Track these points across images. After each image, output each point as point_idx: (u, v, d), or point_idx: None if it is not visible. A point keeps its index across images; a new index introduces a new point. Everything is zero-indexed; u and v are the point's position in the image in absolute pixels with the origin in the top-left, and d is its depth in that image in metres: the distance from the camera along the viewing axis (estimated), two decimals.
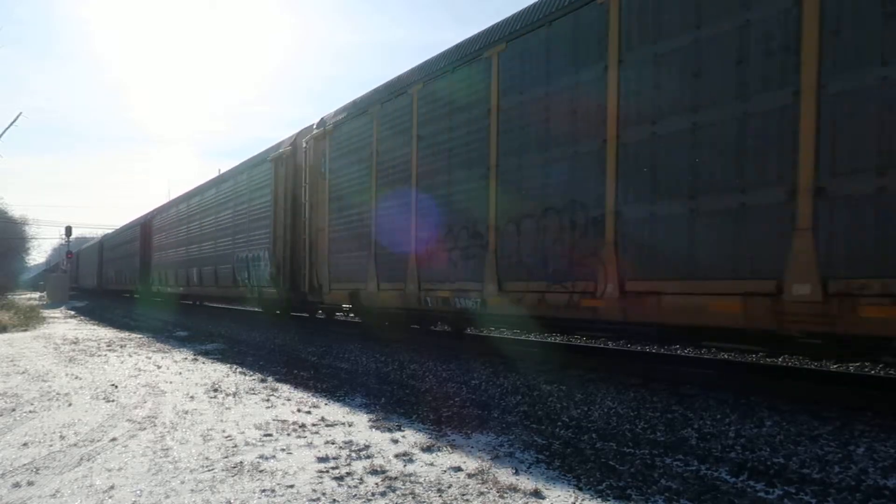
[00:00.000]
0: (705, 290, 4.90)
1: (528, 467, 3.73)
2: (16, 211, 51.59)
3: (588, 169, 5.91)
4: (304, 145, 11.36)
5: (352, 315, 11.32)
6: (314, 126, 11.12)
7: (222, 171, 16.14)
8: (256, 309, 15.03)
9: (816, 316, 4.26)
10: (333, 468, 3.64)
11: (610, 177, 5.68)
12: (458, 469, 3.66)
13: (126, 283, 27.24)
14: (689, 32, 5.10)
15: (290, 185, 11.81)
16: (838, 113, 4.18)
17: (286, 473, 3.54)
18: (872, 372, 6.61)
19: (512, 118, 6.83)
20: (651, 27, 5.38)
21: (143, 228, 24.59)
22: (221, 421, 4.84)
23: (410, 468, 3.67)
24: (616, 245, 5.60)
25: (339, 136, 10.14)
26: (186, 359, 8.69)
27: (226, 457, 3.86)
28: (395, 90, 8.81)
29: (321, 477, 3.49)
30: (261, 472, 3.57)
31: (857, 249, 4.09)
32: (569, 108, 6.16)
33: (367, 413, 5.17)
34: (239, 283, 13.97)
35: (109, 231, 38.62)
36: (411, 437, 4.38)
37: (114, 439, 4.27)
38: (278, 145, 12.59)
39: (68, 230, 35.49)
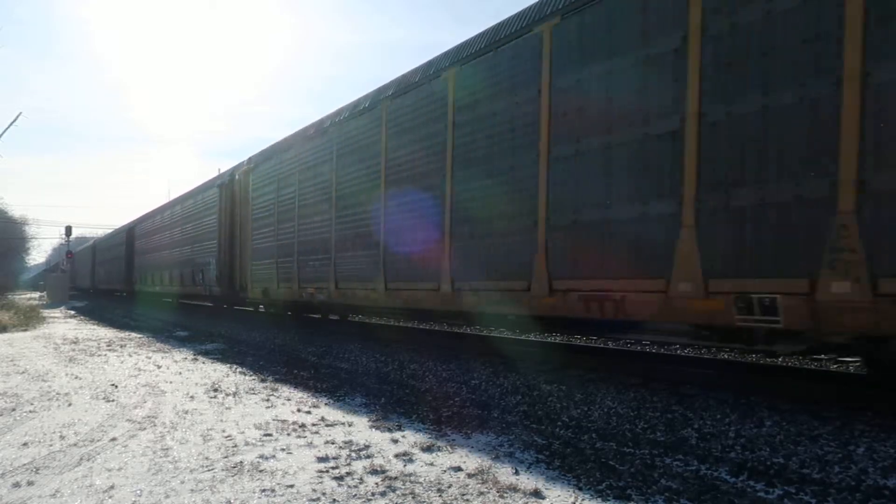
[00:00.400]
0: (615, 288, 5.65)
1: (528, 467, 3.73)
2: (16, 211, 51.64)
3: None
4: (237, 177, 14.63)
5: (262, 307, 14.96)
6: (244, 162, 14.38)
7: (221, 171, 16.81)
8: (208, 304, 18.74)
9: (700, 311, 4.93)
10: (333, 468, 3.64)
11: None
12: (458, 469, 3.66)
13: (115, 283, 30.46)
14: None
15: (229, 206, 15.08)
16: (716, 139, 4.87)
17: (286, 473, 3.54)
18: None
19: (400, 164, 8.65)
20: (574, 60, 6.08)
21: (129, 234, 27.50)
22: (221, 421, 4.84)
23: (410, 468, 3.67)
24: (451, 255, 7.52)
25: (258, 173, 13.57)
26: (186, 359, 8.69)
27: (226, 457, 3.86)
28: (284, 147, 12.31)
29: (321, 477, 3.49)
30: (261, 471, 3.57)
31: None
32: (508, 127, 6.85)
33: (367, 413, 5.17)
34: (197, 283, 17.28)
35: (109, 231, 38.68)
36: (411, 437, 4.38)
37: (114, 439, 4.28)
38: (223, 175, 15.89)
39: (68, 230, 35.50)
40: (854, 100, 4.12)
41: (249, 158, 14.12)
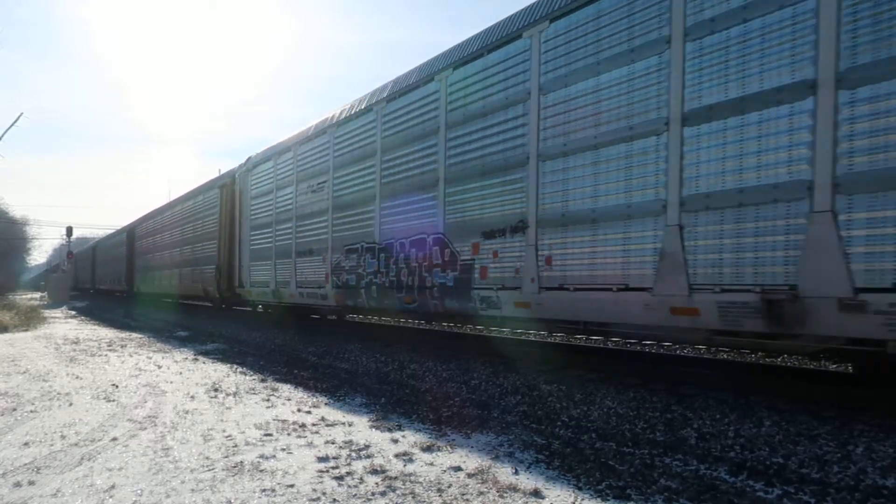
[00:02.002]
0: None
1: (528, 467, 3.73)
2: (16, 211, 51.58)
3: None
4: (237, 177, 14.60)
5: (260, 307, 15.15)
6: (245, 162, 14.44)
7: (222, 171, 16.82)
8: (208, 304, 18.63)
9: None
10: (333, 468, 3.65)
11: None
12: (458, 469, 3.67)
13: (115, 284, 30.63)
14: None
15: (230, 207, 14.97)
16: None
17: (286, 473, 3.55)
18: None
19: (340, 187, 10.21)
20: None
21: (129, 235, 27.79)
22: (222, 421, 4.85)
23: (410, 468, 3.68)
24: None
25: (257, 173, 13.46)
26: (187, 359, 8.70)
27: (226, 456, 3.87)
28: (280, 150, 12.47)
29: (321, 476, 3.49)
30: (261, 471, 3.58)
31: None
32: (478, 150, 7.23)
33: (367, 413, 5.18)
34: (197, 283, 17.43)
35: (110, 230, 38.72)
36: (411, 437, 4.39)
37: (114, 439, 4.29)
38: (223, 175, 15.96)
39: (69, 230, 35.53)
40: None
41: (249, 158, 14.20)
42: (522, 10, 6.92)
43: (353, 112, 9.97)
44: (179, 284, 18.98)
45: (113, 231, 36.12)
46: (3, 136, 22.89)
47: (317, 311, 12.61)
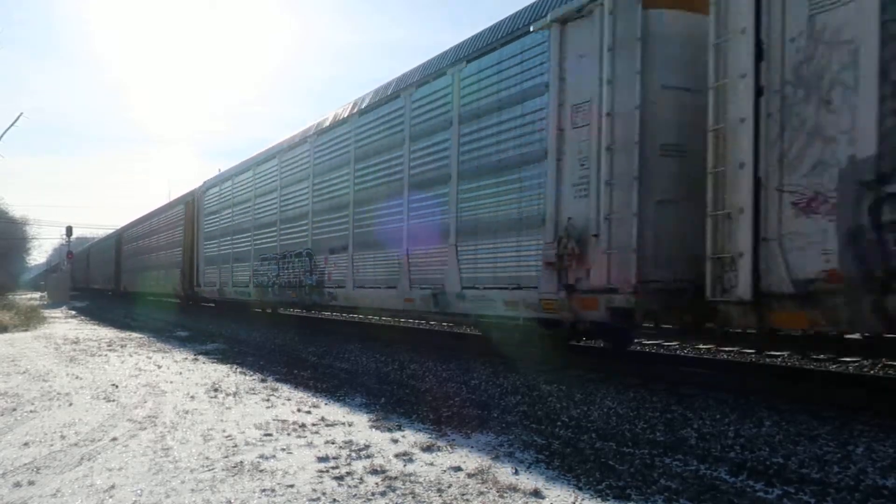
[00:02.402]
0: None
1: (528, 467, 3.73)
2: (16, 211, 51.50)
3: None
4: (196, 196, 18.15)
5: (212, 304, 18.84)
6: (204, 182, 17.91)
7: (221, 170, 17.36)
8: (175, 300, 21.91)
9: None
10: (333, 468, 3.64)
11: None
12: (458, 469, 3.67)
13: (105, 284, 34.16)
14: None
15: (191, 221, 18.37)
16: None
17: (286, 473, 3.55)
18: (871, 372, 6.62)
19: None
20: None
21: (117, 240, 31.27)
22: (222, 421, 4.85)
23: (410, 468, 3.68)
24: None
25: (209, 195, 17.03)
26: (187, 359, 8.70)
27: (226, 456, 3.87)
28: (225, 177, 15.94)
29: (321, 476, 3.49)
30: (261, 471, 3.58)
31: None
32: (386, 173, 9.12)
33: (367, 413, 5.18)
34: (166, 284, 20.85)
35: (110, 231, 38.81)
36: (411, 437, 4.39)
37: (114, 439, 4.28)
38: (187, 194, 19.61)
39: (69, 230, 35.52)
40: None
41: (205, 181, 17.80)
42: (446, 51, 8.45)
43: (260, 158, 13.86)
44: (156, 284, 22.39)
45: (105, 235, 39.73)
46: (2, 135, 22.80)
47: (246, 305, 16.16)
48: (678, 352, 8.23)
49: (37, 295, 39.22)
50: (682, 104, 5.54)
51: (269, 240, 12.90)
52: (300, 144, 11.73)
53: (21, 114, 26.43)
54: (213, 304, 18.82)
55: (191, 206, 18.39)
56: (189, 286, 18.22)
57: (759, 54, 4.62)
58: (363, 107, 9.68)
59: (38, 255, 71.80)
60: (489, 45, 7.15)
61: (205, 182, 17.67)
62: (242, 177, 14.63)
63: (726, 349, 7.94)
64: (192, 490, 3.26)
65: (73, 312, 23.02)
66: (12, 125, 24.17)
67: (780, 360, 7.36)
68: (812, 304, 4.31)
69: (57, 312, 22.51)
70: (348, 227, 9.82)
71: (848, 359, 6.93)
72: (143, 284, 24.15)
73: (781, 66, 4.53)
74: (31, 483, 3.39)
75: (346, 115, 10.20)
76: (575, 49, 6.03)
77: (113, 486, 3.32)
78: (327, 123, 10.82)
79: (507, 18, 7.17)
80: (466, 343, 9.50)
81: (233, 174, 15.29)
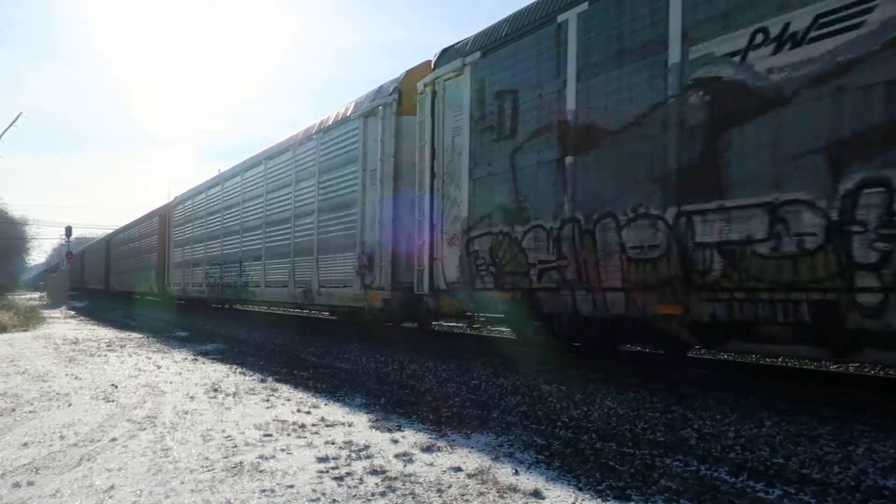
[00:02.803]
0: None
1: (528, 467, 3.73)
2: (16, 211, 51.44)
3: None
4: (168, 210, 21.46)
5: (182, 301, 21.67)
6: (175, 197, 21.21)
7: (221, 171, 17.88)
8: (152, 297, 24.20)
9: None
10: (333, 468, 3.64)
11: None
12: (458, 469, 3.66)
13: (98, 284, 37.00)
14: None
15: (164, 231, 21.72)
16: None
17: (286, 473, 3.55)
18: (872, 372, 6.62)
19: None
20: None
21: (107, 244, 34.32)
22: (221, 421, 4.84)
23: (410, 468, 3.68)
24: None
25: (177, 210, 20.50)
26: (186, 359, 8.69)
27: (226, 457, 3.86)
28: (188, 196, 19.42)
29: (321, 477, 3.49)
30: (261, 472, 3.57)
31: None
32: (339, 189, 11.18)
33: (367, 413, 5.17)
34: (145, 284, 24.26)
35: (109, 231, 38.85)
36: (411, 438, 4.38)
37: (114, 439, 4.28)
38: (161, 207, 23.02)
39: (68, 230, 35.47)
40: None
41: (175, 197, 21.16)
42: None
43: (210, 183, 17.38)
44: (137, 283, 25.76)
45: (97, 239, 42.44)
46: (2, 135, 22.87)
47: (202, 301, 19.34)
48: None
49: (36, 295, 39.20)
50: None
51: (216, 249, 16.44)
52: (235, 177, 15.61)
53: (21, 113, 26.42)
54: (182, 302, 21.95)
55: (163, 218, 21.92)
56: (162, 286, 21.66)
57: (434, 155, 8.06)
58: (269, 155, 13.61)
59: (38, 255, 71.75)
60: (334, 123, 10.68)
61: (175, 197, 21.25)
62: (198, 197, 18.36)
63: (730, 353, 7.92)
64: (192, 490, 3.26)
65: (73, 312, 23.01)
66: (12, 125, 24.20)
67: (780, 360, 7.36)
68: (452, 295, 7.72)
69: (56, 312, 22.50)
70: (262, 242, 13.35)
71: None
72: (127, 284, 28.16)
73: (442, 163, 7.92)
74: (30, 483, 3.39)
75: (260, 160, 14.09)
76: (371, 134, 9.45)
77: (112, 487, 3.31)
78: (250, 164, 14.78)
79: (340, 108, 10.78)
80: (466, 343, 9.49)
81: (192, 194, 19.01)
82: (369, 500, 3.14)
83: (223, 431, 4.50)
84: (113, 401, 5.63)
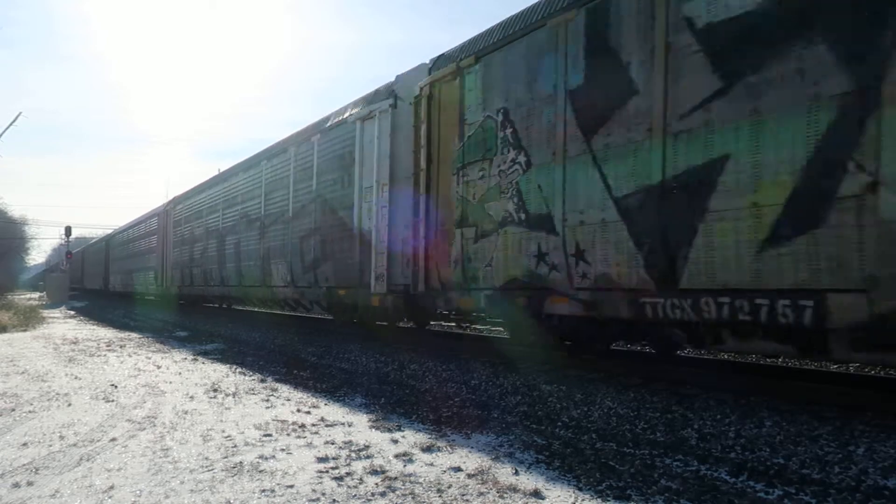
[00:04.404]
0: None
1: (528, 467, 3.72)
2: (16, 211, 51.47)
3: None
4: (166, 210, 21.64)
5: (182, 301, 22.21)
6: (174, 197, 21.45)
7: (221, 170, 17.98)
8: (151, 297, 24.66)
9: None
10: (333, 468, 3.64)
11: None
12: (458, 469, 3.66)
13: (97, 284, 37.18)
14: None
15: (164, 230, 21.70)
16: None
17: (286, 473, 3.54)
18: (872, 372, 6.62)
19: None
20: None
21: (107, 244, 34.48)
22: (221, 421, 4.84)
23: (410, 468, 3.67)
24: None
25: (176, 211, 20.43)
26: (186, 359, 8.69)
27: (225, 457, 3.86)
28: (197, 190, 18.87)
29: (321, 477, 3.48)
30: (260, 472, 3.57)
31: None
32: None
33: (367, 413, 5.17)
34: (150, 282, 23.92)
35: (109, 230, 38.88)
36: (411, 437, 4.38)
37: (113, 439, 4.27)
38: (162, 206, 22.67)
39: (68, 230, 35.48)
40: None
41: (173, 198, 21.25)
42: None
43: (212, 182, 17.55)
44: (137, 283, 26.02)
45: (97, 240, 42.81)
46: (1, 135, 22.88)
47: (202, 301, 20.50)
48: (678, 352, 8.21)
49: (36, 295, 39.19)
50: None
51: (214, 249, 16.75)
52: (216, 185, 16.83)
53: (20, 113, 26.40)
54: (182, 301, 22.10)
55: (163, 218, 22.05)
56: (162, 285, 21.94)
57: (429, 157, 8.13)
58: (231, 175, 15.04)
59: (37, 255, 71.75)
60: (332, 125, 10.78)
61: (174, 198, 21.48)
62: (199, 196, 18.72)
63: (730, 353, 7.91)
64: (192, 490, 3.26)
65: (72, 312, 23.00)
66: (11, 124, 24.19)
67: (780, 360, 7.35)
68: (447, 294, 7.83)
69: (56, 312, 22.49)
70: (260, 242, 13.69)
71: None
72: (127, 284, 28.63)
73: (437, 164, 8.09)
74: (29, 484, 3.38)
75: (238, 172, 15.04)
76: (367, 136, 9.64)
77: (112, 487, 3.31)
78: (229, 174, 15.89)
79: (337, 110, 10.96)
80: (466, 343, 9.49)
81: (193, 193, 19.19)
82: (369, 500, 3.14)
83: (223, 431, 4.50)
84: (113, 401, 5.63)
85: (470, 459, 3.86)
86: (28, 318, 16.43)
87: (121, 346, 10.31)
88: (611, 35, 5.56)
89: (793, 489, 3.32)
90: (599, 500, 3.20)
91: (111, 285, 32.52)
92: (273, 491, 3.25)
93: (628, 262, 5.37)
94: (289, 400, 5.68)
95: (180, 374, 7.31)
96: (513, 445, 4.21)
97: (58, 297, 31.53)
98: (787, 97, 4.28)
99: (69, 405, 5.44)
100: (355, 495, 3.20)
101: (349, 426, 4.71)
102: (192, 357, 8.89)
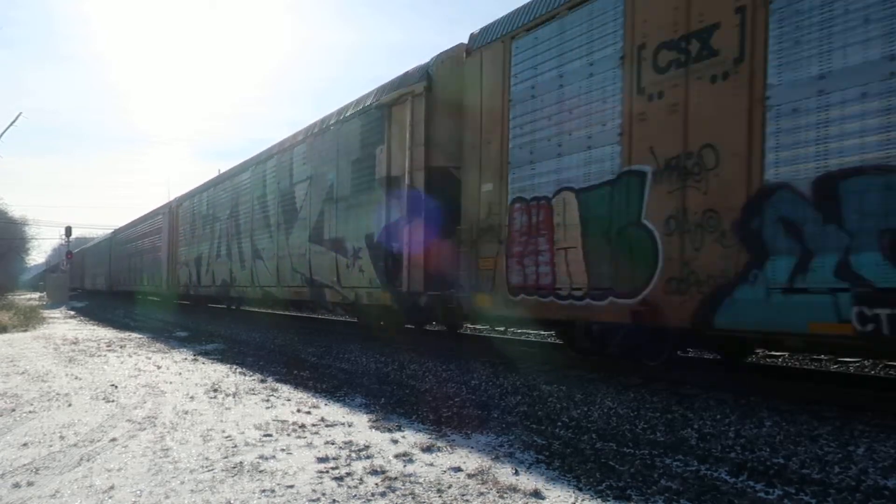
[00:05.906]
0: None
1: (528, 467, 3.73)
2: (16, 211, 51.41)
3: None
4: (173, 208, 21.29)
5: (187, 302, 22.04)
6: (178, 197, 21.14)
7: (221, 171, 18.31)
8: (155, 297, 24.51)
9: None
10: (333, 468, 3.64)
11: None
12: (458, 469, 3.66)
13: (100, 285, 36.60)
14: None
15: (171, 228, 21.19)
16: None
17: (286, 474, 3.54)
18: (872, 372, 6.62)
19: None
20: None
21: (109, 244, 34.08)
22: (221, 421, 4.84)
23: (410, 468, 3.67)
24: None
25: (183, 208, 20.19)
26: (186, 359, 8.69)
27: (225, 457, 3.86)
28: (187, 197, 19.40)
29: (321, 477, 3.49)
30: (261, 472, 3.57)
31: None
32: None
33: (367, 413, 5.17)
34: (156, 282, 23.60)
35: (109, 231, 38.91)
36: (411, 438, 4.38)
37: (114, 439, 4.27)
38: (166, 205, 22.50)
39: (68, 230, 35.49)
40: None
41: (177, 197, 21.09)
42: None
43: (206, 186, 17.90)
44: (141, 283, 25.54)
45: (98, 240, 41.83)
46: (1, 135, 22.90)
47: (212, 301, 19.63)
48: (678, 352, 8.21)
49: (36, 295, 39.20)
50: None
51: (224, 247, 16.24)
52: (218, 184, 16.81)
53: (20, 113, 26.44)
54: (187, 302, 21.76)
55: (170, 216, 21.61)
56: (168, 285, 21.37)
57: (427, 157, 8.36)
58: (241, 171, 14.71)
59: (38, 255, 71.73)
60: (329, 127, 10.84)
61: (179, 197, 21.20)
62: (207, 192, 18.29)
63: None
64: (192, 491, 3.26)
65: (73, 313, 23.00)
66: (11, 124, 24.20)
67: (780, 360, 7.36)
68: (447, 295, 7.88)
69: (56, 313, 22.50)
70: (274, 240, 13.02)
71: (848, 359, 6.92)
72: (130, 283, 28.38)
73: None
74: (30, 484, 3.39)
75: (231, 175, 15.21)
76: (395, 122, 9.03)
77: (112, 487, 3.31)
78: (226, 175, 16.29)
79: (335, 111, 10.91)
80: (466, 343, 9.49)
81: (193, 194, 19.19)
82: (369, 500, 3.14)
83: (223, 431, 4.50)
84: (113, 401, 5.63)
85: (470, 459, 3.86)
86: (28, 319, 16.43)
87: (121, 347, 10.31)
88: None
89: (793, 489, 3.32)
90: (599, 500, 3.20)
91: (113, 285, 32.33)
92: (273, 491, 3.26)
93: None
94: (289, 400, 5.68)
95: (180, 374, 7.31)
96: (513, 445, 4.21)
97: (58, 298, 31.54)
98: None
99: (69, 405, 5.44)
100: (355, 495, 3.20)
101: (349, 426, 4.71)
102: (192, 357, 8.89)
